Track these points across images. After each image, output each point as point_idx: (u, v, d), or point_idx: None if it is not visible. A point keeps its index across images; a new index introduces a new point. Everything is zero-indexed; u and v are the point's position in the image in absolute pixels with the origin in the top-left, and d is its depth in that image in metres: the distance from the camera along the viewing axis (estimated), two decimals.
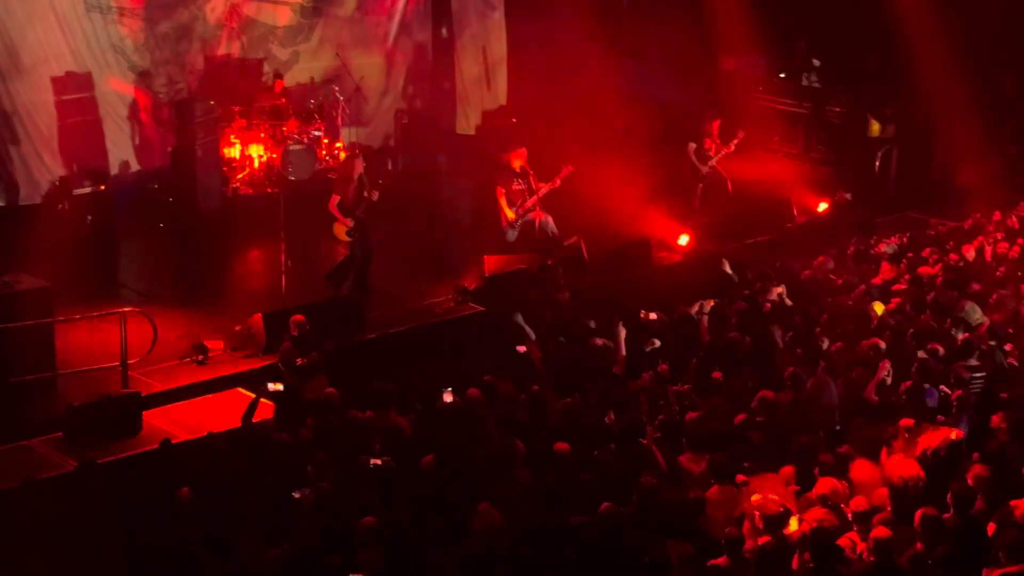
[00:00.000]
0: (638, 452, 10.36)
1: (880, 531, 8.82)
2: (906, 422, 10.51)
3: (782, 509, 9.01)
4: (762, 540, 8.96)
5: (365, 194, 15.40)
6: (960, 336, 12.97)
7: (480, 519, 8.98)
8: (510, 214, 16.60)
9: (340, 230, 15.49)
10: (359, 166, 15.63)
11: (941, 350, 12.47)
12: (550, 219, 16.85)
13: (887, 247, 16.70)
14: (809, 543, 8.79)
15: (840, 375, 11.91)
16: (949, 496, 9.32)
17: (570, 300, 15.15)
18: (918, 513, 9.00)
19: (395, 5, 21.24)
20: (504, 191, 16.59)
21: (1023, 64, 21.61)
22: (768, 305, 14.07)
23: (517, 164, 16.63)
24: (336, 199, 15.43)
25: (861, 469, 10.08)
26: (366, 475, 10.00)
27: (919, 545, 8.90)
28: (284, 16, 20.53)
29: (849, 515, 9.32)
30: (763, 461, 10.25)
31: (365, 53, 21.18)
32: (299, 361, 12.60)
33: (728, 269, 15.41)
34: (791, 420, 11.07)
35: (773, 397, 11.29)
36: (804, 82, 22.97)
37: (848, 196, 19.42)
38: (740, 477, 9.80)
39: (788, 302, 14.12)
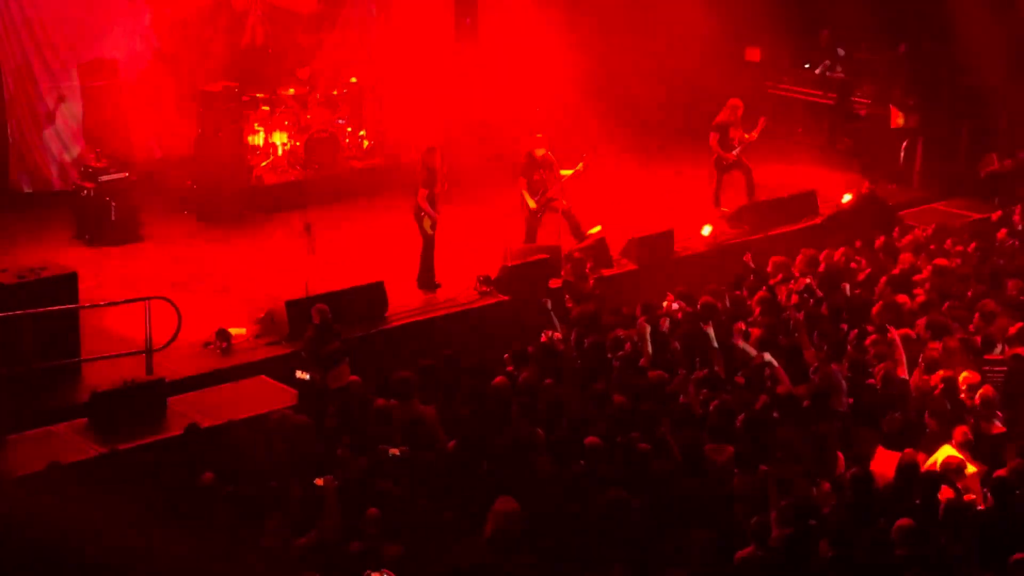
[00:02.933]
0: (658, 441, 10.37)
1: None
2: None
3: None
4: (788, 529, 8.97)
5: (436, 189, 15.45)
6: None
7: (498, 509, 8.98)
8: (531, 203, 16.58)
9: (427, 223, 15.45)
10: (439, 159, 15.58)
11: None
12: (572, 209, 16.85)
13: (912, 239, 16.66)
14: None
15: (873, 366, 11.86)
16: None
17: (595, 289, 15.17)
18: None
19: None
20: (526, 181, 16.57)
21: None
22: (795, 296, 14.04)
23: (539, 153, 16.60)
24: (424, 193, 15.40)
25: None
26: (386, 464, 10.03)
27: None
28: (309, 4, 20.55)
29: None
30: (784, 450, 10.24)
31: (390, 41, 21.17)
32: (323, 350, 12.63)
33: (751, 261, 15.40)
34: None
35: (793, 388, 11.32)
36: (828, 72, 22.89)
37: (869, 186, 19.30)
38: (763, 467, 9.78)
39: (819, 293, 14.07)
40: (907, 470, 9.68)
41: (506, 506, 8.97)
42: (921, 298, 13.82)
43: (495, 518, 8.91)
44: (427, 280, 15.65)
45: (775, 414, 10.99)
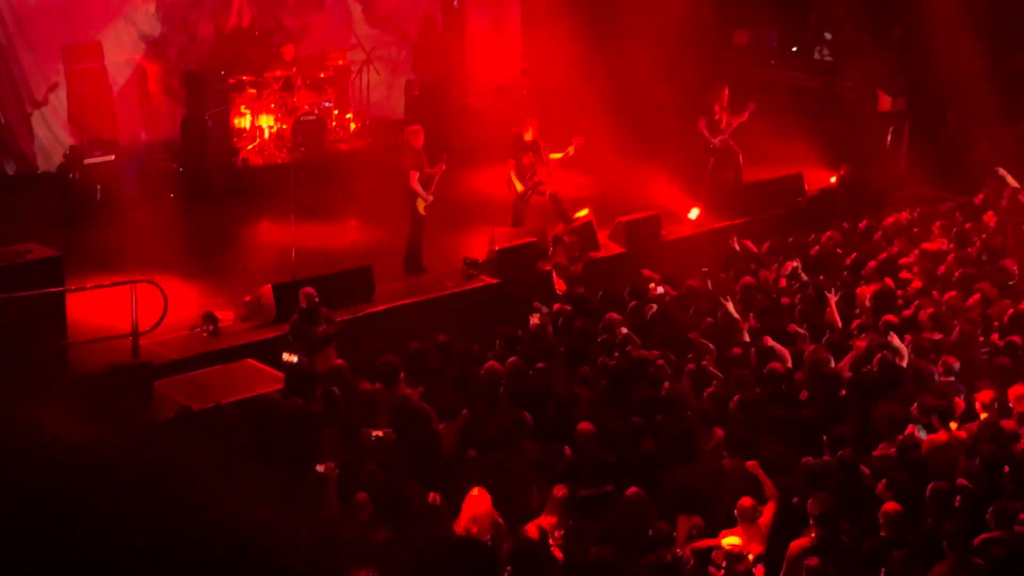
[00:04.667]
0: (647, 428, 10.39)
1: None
2: None
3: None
4: (770, 513, 9.00)
5: (429, 169, 15.40)
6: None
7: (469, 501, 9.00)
8: (519, 187, 16.56)
9: (421, 205, 15.42)
10: (421, 140, 15.53)
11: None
12: (559, 193, 16.84)
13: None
14: None
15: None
16: None
17: (584, 272, 15.18)
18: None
19: None
20: (515, 163, 16.55)
21: None
22: (783, 280, 14.07)
23: (528, 136, 16.57)
24: (416, 175, 15.36)
25: None
26: (370, 447, 10.04)
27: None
28: None
29: None
30: (773, 436, 10.27)
31: (376, 23, 21.13)
32: (309, 334, 12.62)
33: (736, 244, 15.42)
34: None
35: (782, 370, 11.33)
36: (816, 55, 22.88)
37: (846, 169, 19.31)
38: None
39: (804, 276, 14.09)
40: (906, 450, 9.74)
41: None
42: (916, 283, 13.86)
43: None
44: (414, 264, 15.63)
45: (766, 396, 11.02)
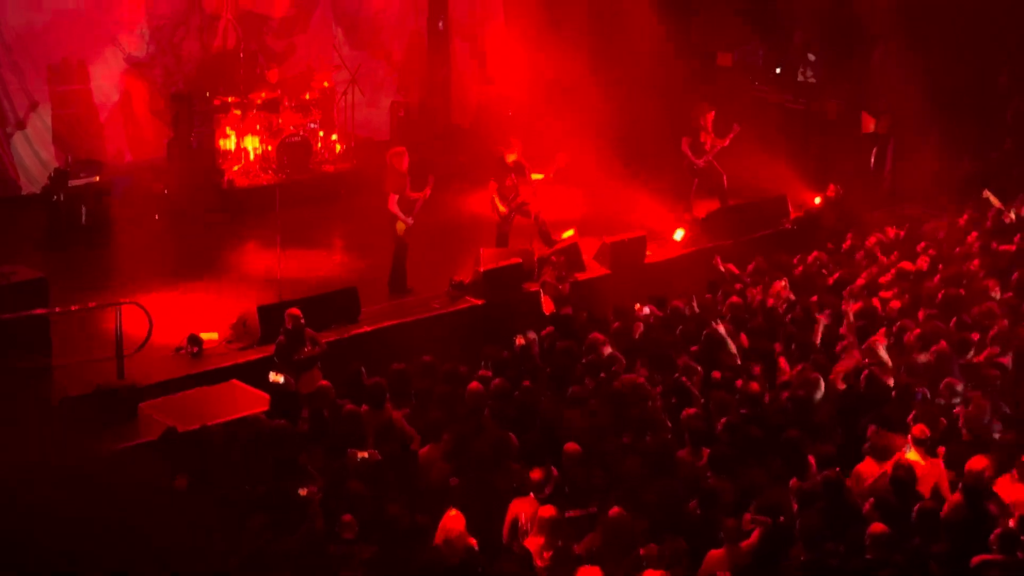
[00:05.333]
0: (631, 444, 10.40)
1: None
2: None
3: None
4: (759, 532, 9.01)
5: (413, 193, 15.40)
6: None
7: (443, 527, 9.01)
8: (502, 208, 16.56)
9: (401, 228, 15.44)
10: (405, 162, 15.55)
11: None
12: (541, 215, 16.81)
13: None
14: None
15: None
16: None
17: (571, 292, 15.20)
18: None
19: None
20: (497, 185, 16.52)
21: (1016, 57, 21.62)
22: (771, 300, 14.10)
23: (511, 158, 16.56)
24: (395, 197, 15.37)
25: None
26: (356, 468, 10.04)
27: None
28: (280, 7, 20.53)
29: None
30: (760, 455, 10.28)
31: (361, 45, 21.18)
32: (295, 355, 12.62)
33: (721, 265, 15.46)
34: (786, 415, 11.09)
35: (762, 392, 11.37)
36: (799, 77, 22.98)
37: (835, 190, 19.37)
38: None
39: (791, 296, 14.13)
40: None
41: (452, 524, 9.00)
42: (895, 303, 13.90)
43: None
44: (399, 284, 15.63)
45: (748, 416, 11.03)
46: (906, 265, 15.41)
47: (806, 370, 11.81)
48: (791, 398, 11.30)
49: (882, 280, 14.91)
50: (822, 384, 11.60)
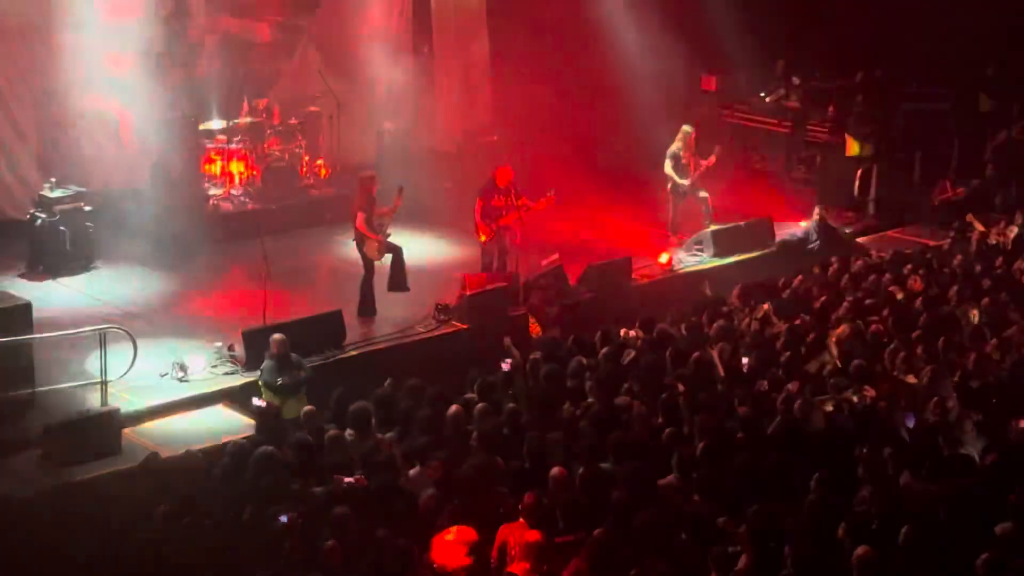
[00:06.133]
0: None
1: None
2: None
3: None
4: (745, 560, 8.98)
5: (385, 208, 15.46)
6: None
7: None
8: (483, 236, 16.53)
9: (372, 248, 15.45)
10: (376, 184, 15.61)
11: None
12: (528, 238, 16.77)
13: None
14: None
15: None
16: None
17: (559, 316, 15.20)
18: None
19: (377, 23, 21.22)
20: (482, 204, 16.49)
21: (999, 82, 21.72)
22: (756, 323, 14.11)
23: (502, 181, 16.54)
24: (363, 216, 15.39)
25: None
26: (342, 493, 10.00)
27: None
28: (265, 33, 20.52)
29: None
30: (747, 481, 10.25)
31: (347, 71, 21.16)
32: (280, 378, 12.59)
33: (707, 289, 15.46)
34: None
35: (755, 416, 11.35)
36: (784, 101, 23.05)
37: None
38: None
39: (775, 320, 14.14)
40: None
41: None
42: (883, 327, 13.91)
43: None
44: (367, 307, 15.61)
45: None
46: (891, 289, 15.45)
47: (799, 394, 11.79)
48: (785, 422, 11.28)
49: (870, 304, 14.92)
50: (818, 408, 11.60)
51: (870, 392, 11.90)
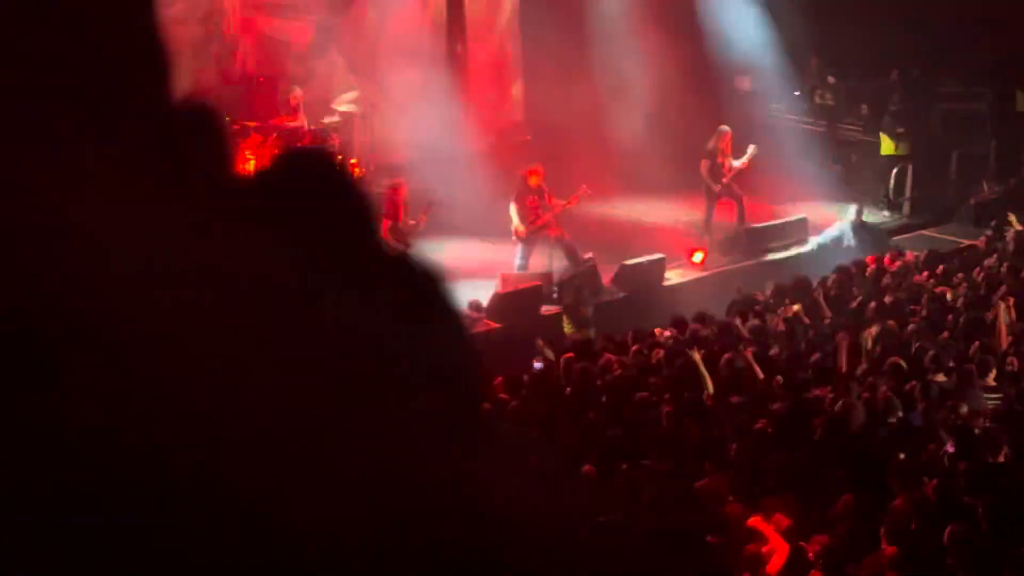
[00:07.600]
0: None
1: None
2: None
3: None
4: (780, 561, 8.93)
5: (412, 221, 15.46)
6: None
7: None
8: (520, 228, 16.55)
9: None
10: (404, 192, 15.65)
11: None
12: (566, 236, 16.79)
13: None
14: None
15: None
16: None
17: (592, 315, 15.18)
18: None
19: (411, 22, 21.26)
20: (517, 205, 16.51)
21: None
22: (782, 324, 14.04)
23: (533, 181, 16.56)
24: (387, 224, 15.43)
25: None
26: None
27: None
28: (300, 33, 20.58)
29: None
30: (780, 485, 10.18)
31: (381, 70, 21.20)
32: None
33: (741, 289, 15.39)
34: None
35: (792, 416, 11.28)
36: (818, 100, 22.95)
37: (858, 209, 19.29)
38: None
39: (805, 320, 14.06)
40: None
41: None
42: (919, 325, 13.82)
43: None
44: None
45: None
46: (928, 288, 15.33)
47: (841, 394, 11.70)
48: (828, 422, 11.19)
49: (902, 303, 14.83)
50: (860, 409, 11.50)
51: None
